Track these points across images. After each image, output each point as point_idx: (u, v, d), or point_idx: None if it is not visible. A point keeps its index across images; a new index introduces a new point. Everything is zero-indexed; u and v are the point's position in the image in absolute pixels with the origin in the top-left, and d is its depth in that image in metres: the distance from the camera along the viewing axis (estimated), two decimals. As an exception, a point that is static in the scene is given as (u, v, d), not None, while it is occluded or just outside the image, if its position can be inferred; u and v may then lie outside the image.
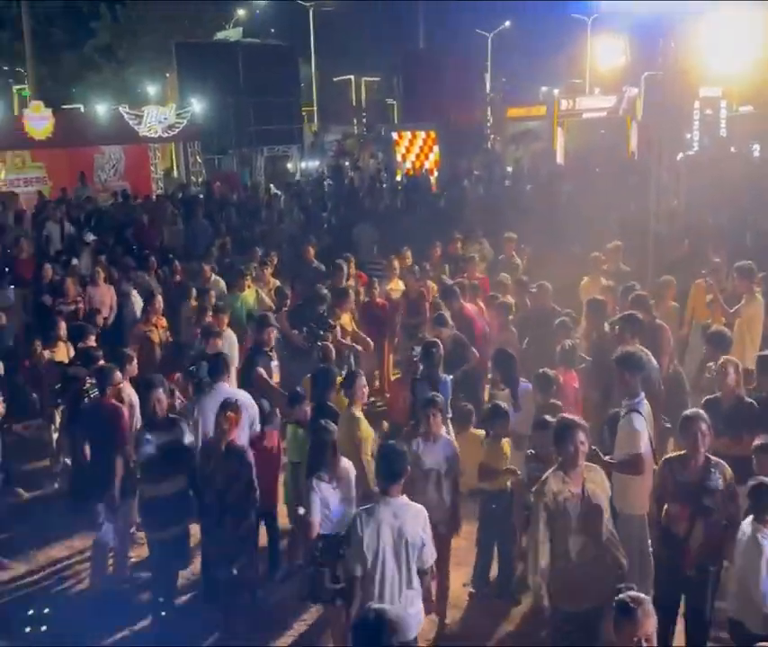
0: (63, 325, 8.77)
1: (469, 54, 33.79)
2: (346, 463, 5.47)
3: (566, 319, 7.54)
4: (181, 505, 5.90)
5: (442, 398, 6.10)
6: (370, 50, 36.49)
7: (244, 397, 6.52)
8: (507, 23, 40.13)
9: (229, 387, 6.74)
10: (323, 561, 5.26)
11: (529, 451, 5.89)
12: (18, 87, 32.89)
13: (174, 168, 25.77)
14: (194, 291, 9.85)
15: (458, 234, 12.41)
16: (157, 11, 33.21)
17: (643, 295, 7.68)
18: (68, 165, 21.44)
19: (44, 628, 6.20)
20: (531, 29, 38.50)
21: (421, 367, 7.31)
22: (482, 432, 6.72)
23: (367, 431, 6.14)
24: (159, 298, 9.15)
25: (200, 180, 23.61)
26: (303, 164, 28.20)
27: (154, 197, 19.15)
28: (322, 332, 8.63)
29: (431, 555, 4.68)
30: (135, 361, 7.19)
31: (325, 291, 9.30)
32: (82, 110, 26.18)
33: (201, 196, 18.67)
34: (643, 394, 5.65)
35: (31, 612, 6.46)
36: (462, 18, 37.11)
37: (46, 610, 6.48)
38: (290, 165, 28.50)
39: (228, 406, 5.83)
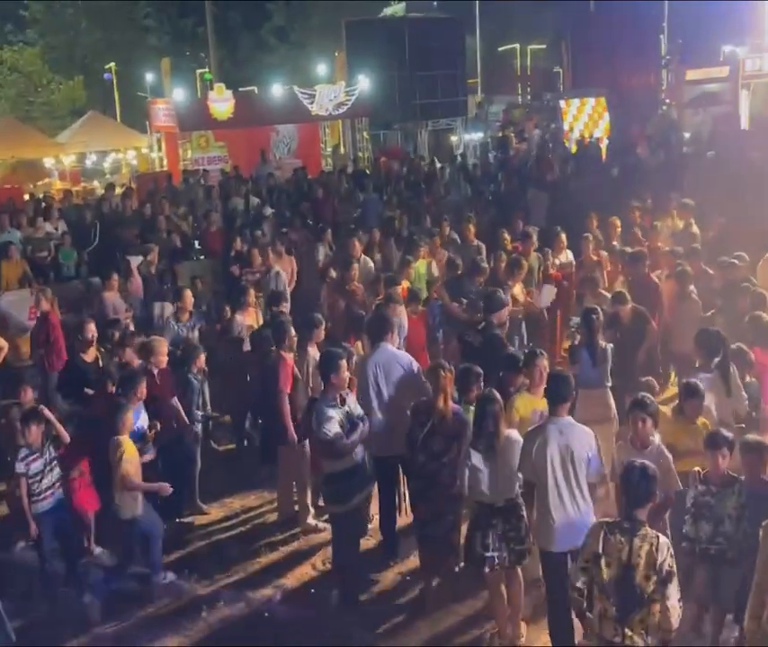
0: (252, 292, 9.38)
1: (643, 15, 31.94)
2: (512, 435, 5.50)
3: (764, 292, 7.09)
4: (359, 476, 6.10)
5: (655, 403, 5.53)
6: (535, 18, 35.44)
7: (403, 357, 6.75)
8: (685, -20, 37.44)
9: (392, 348, 6.83)
10: (474, 526, 5.46)
11: (696, 469, 5.15)
12: (200, 70, 35.02)
13: (341, 144, 26.56)
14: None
15: (635, 203, 11.91)
16: (327, -8, 34.14)
17: None
18: (247, 144, 22.70)
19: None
20: (711, -16, 35.79)
21: (580, 336, 7.34)
22: (667, 409, 6.51)
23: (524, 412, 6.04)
24: (355, 266, 9.57)
25: (366, 155, 24.20)
26: (467, 137, 28.07)
27: (326, 172, 19.89)
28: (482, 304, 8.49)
29: (598, 470, 5.16)
30: (323, 326, 7.59)
31: (485, 264, 9.36)
32: (255, 91, 27.57)
33: (368, 171, 19.13)
34: None
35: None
36: (636, -23, 35.10)
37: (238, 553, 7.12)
38: (453, 138, 28.48)
39: (443, 367, 6.01)
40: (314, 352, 7.54)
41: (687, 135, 22.31)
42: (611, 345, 7.06)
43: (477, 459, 5.36)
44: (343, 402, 6.02)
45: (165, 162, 24.47)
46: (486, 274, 9.14)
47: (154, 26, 37.14)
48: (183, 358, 7.96)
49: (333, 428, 5.83)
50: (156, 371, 7.34)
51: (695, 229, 10.42)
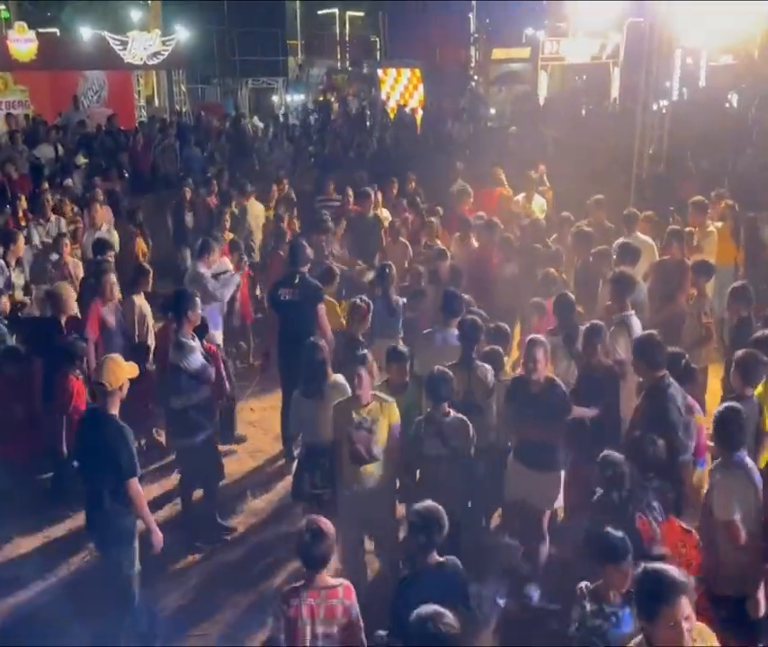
0: (66, 242, 9.05)
1: (455, -8, 33.60)
2: (338, 379, 5.78)
3: (557, 250, 8.08)
4: (208, 411, 6.33)
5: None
6: (354, -16, 36.11)
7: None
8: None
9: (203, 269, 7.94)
10: (303, 467, 5.76)
11: (581, 586, 4.08)
12: (-6, 7, 31.90)
13: (156, 96, 25.57)
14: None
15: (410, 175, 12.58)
16: (138, -67, 32.26)
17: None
18: (50, 89, 21.21)
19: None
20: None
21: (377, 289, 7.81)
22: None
23: None
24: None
25: (183, 109, 23.51)
26: (288, 98, 28.10)
27: (137, 123, 19.17)
28: None
29: None
30: (149, 275, 7.67)
31: (330, 223, 9.76)
32: (58, 33, 25.74)
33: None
34: (633, 311, 6.33)
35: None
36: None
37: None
38: (275, 98, 28.40)
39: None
40: (140, 301, 7.60)
41: (492, 111, 23.96)
42: (405, 300, 7.62)
43: (306, 405, 5.66)
44: (194, 337, 6.25)
45: (-46, 103, 22.26)
46: (330, 232, 9.59)
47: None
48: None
49: (198, 358, 6.10)
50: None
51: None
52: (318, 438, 5.64)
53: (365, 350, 5.83)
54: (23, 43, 20.24)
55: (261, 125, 20.21)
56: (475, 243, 9.08)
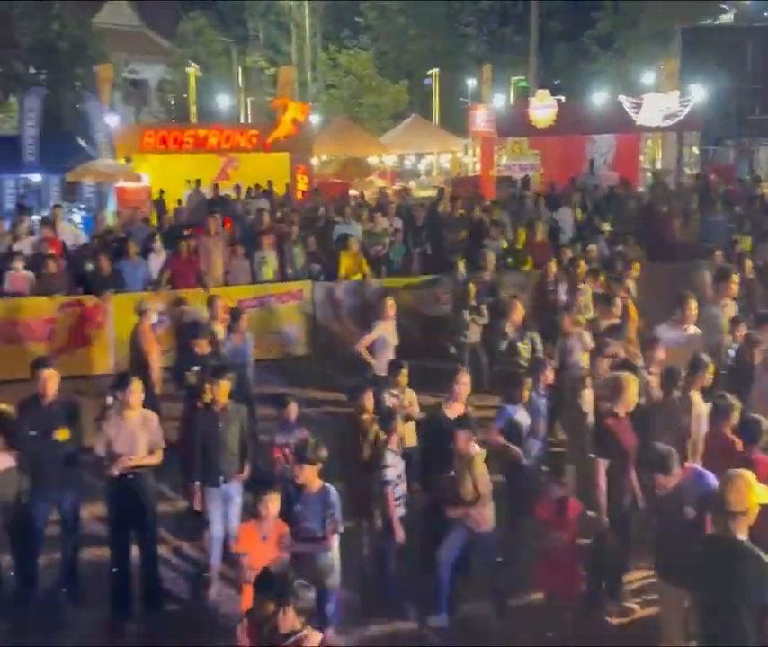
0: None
1: None
2: None
3: None
4: None
5: None
6: None
7: None
8: None
9: None
10: None
11: None
12: (514, 78, 35.05)
13: (659, 158, 24.88)
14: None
15: None
16: (657, -1, 32.20)
17: None
18: (560, 153, 22.17)
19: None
20: None
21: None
22: None
23: None
24: None
25: (693, 171, 22.34)
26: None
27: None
28: None
29: None
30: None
31: None
32: (563, 99, 26.88)
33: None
34: None
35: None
36: None
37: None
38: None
39: None
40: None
41: None
42: None
43: None
44: None
45: (477, 166, 24.78)
46: None
47: (473, 34, 38.11)
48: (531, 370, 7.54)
49: None
50: None
51: None
52: None
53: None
54: (543, 110, 21.53)
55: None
56: None
